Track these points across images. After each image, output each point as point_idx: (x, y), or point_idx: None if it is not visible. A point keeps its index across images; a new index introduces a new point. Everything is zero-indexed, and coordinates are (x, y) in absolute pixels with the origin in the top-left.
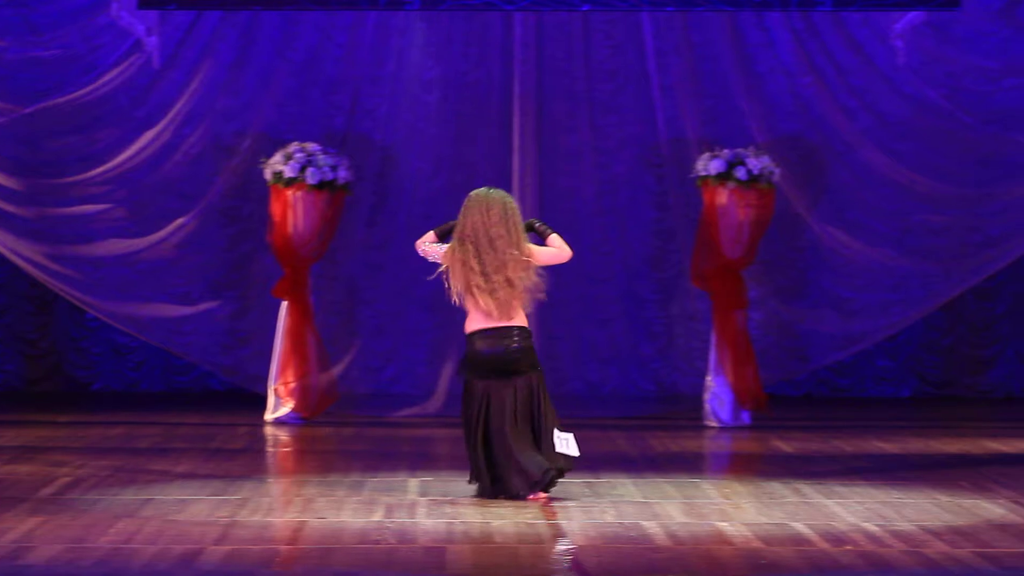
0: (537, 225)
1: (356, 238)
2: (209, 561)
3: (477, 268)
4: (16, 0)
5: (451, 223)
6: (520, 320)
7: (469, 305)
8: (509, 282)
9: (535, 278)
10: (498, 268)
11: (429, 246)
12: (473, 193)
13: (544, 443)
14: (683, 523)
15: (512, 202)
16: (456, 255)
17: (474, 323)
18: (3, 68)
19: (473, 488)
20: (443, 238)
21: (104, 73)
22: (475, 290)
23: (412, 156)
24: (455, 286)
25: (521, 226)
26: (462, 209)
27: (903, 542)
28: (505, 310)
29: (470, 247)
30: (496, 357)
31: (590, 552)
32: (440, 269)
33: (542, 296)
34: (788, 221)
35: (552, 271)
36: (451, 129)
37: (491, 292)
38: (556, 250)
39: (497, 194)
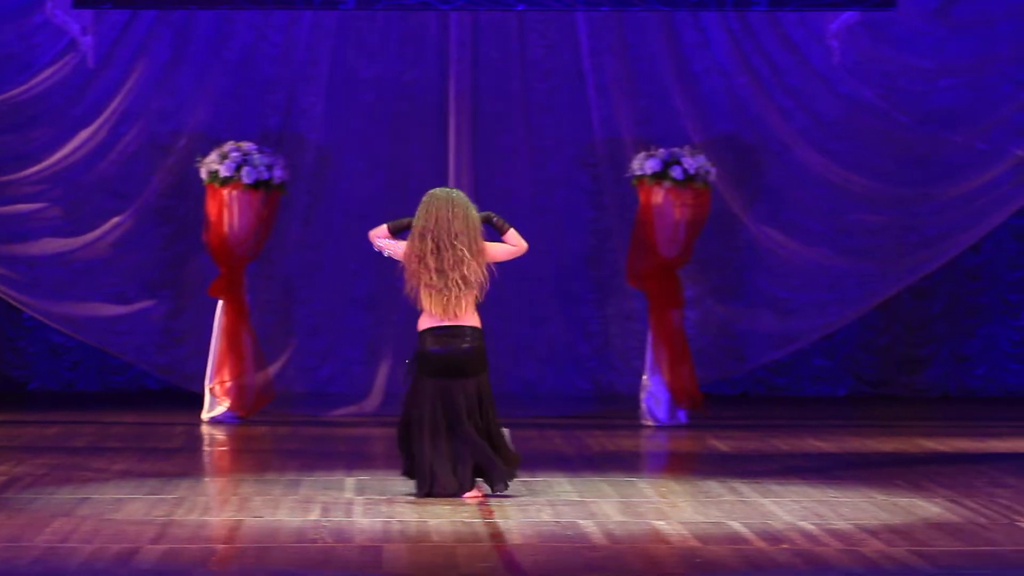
0: (495, 219)
1: (292, 237)
2: (146, 560)
3: (432, 265)
4: None
5: (406, 219)
6: (472, 320)
7: (421, 302)
8: (464, 280)
9: (485, 277)
10: (455, 265)
11: (386, 241)
12: (435, 191)
13: (496, 445)
14: (620, 522)
15: (470, 202)
16: (414, 251)
17: (426, 321)
18: None
19: (410, 484)
20: (397, 233)
21: (39, 72)
22: (424, 288)
23: (348, 155)
24: (410, 281)
25: (480, 226)
26: (422, 206)
27: (839, 541)
28: (454, 309)
29: (430, 243)
30: (446, 356)
31: (527, 551)
32: (400, 264)
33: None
34: (724, 220)
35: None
36: (387, 129)
37: (441, 290)
38: (513, 247)
39: (457, 194)
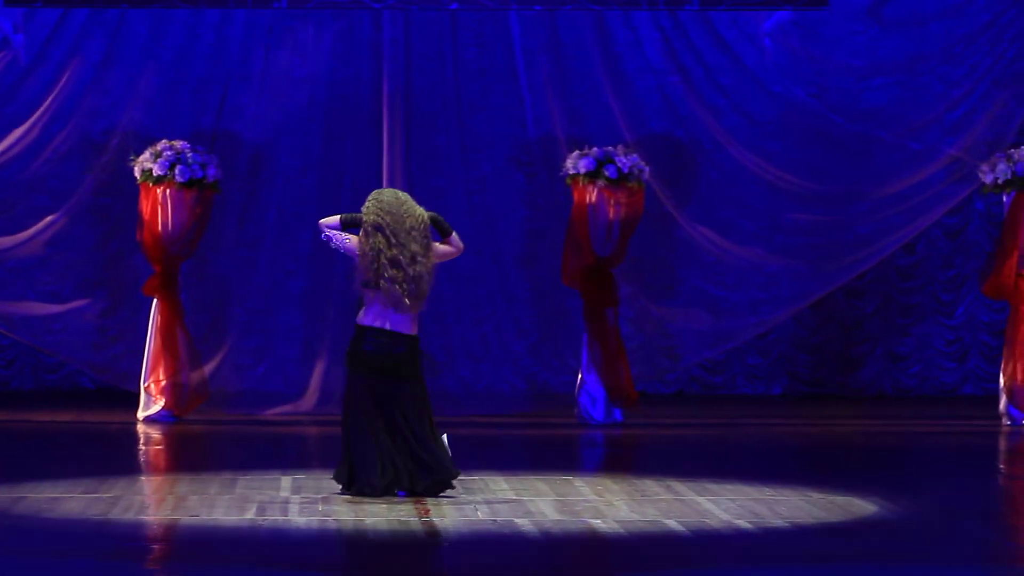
0: (440, 222)
1: (226, 236)
2: (82, 559)
3: (389, 259)
4: None
5: (360, 215)
6: (412, 328)
7: (371, 298)
8: (420, 276)
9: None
10: (412, 261)
11: (336, 233)
12: (382, 190)
13: (439, 450)
14: (556, 520)
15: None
16: (369, 246)
17: (369, 318)
18: None
19: (343, 486)
20: (347, 227)
21: None
22: (386, 283)
23: (282, 154)
24: (367, 275)
25: (428, 225)
26: (372, 203)
27: (776, 539)
28: (409, 306)
29: (382, 237)
30: (380, 356)
31: (463, 549)
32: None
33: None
34: (658, 219)
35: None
36: (321, 128)
37: (404, 283)
38: (454, 249)
39: (404, 194)
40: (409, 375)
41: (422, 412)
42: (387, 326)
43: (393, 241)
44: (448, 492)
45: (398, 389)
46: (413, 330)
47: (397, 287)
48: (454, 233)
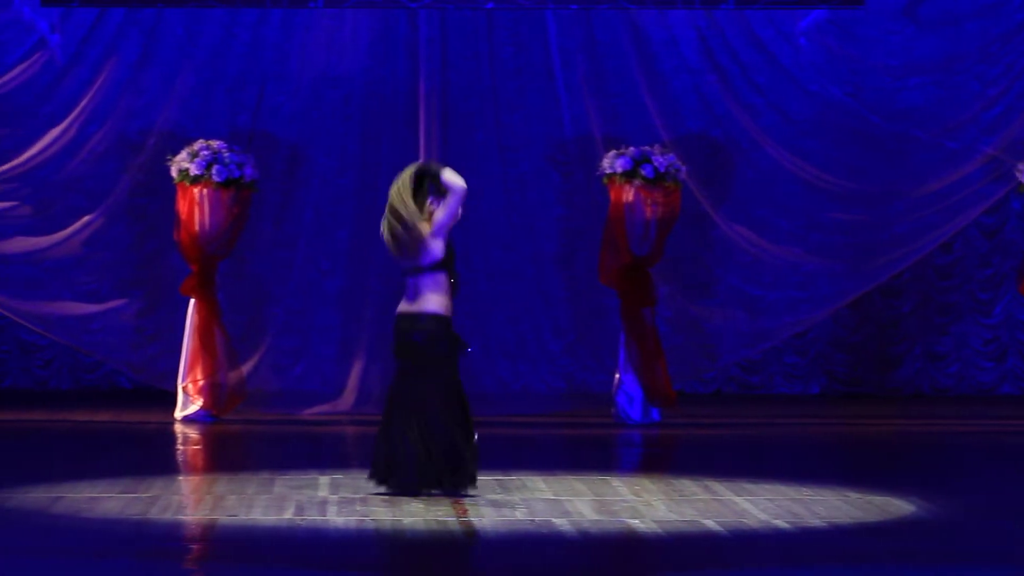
0: (427, 169)
1: (263, 236)
2: (120, 559)
3: (391, 233)
4: None
5: None
6: (432, 304)
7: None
8: (415, 239)
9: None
10: (405, 228)
11: None
12: None
13: (462, 449)
14: (594, 520)
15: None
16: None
17: (400, 304)
18: None
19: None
20: None
21: (8, 70)
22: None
23: (318, 154)
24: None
25: (408, 187)
26: None
27: (814, 539)
28: (415, 283)
29: (385, 222)
30: (405, 342)
31: (501, 549)
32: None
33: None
34: (695, 219)
35: (461, 268)
36: (357, 127)
37: (401, 248)
38: (452, 194)
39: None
40: (433, 361)
41: (447, 409)
42: (407, 309)
43: (386, 224)
44: (486, 492)
45: (420, 381)
46: (434, 308)
47: (397, 245)
48: (445, 170)
